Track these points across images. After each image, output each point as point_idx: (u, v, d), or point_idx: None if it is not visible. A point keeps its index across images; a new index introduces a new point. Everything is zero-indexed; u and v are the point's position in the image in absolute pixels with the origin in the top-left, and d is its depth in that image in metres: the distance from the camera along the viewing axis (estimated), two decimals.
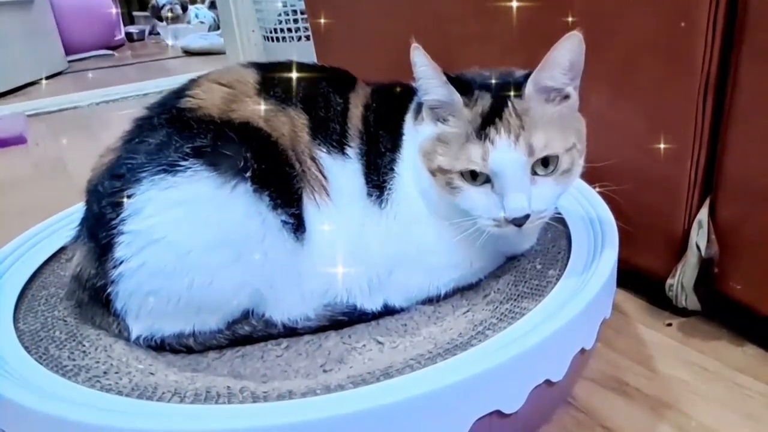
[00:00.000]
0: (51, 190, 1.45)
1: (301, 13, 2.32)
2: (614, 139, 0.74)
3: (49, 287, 0.69)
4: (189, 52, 3.72)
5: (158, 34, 4.45)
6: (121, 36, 4.30)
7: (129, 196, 0.55)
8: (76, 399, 0.47)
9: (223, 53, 3.15)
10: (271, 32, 2.44)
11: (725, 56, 0.64)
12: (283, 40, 2.40)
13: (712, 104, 0.66)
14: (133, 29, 4.62)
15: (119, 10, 4.28)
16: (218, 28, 3.77)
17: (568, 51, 0.53)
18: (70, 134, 2.03)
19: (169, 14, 4.26)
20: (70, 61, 3.52)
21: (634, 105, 0.74)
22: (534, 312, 0.56)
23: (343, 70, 0.68)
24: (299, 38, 2.36)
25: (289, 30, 2.36)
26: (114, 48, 4.09)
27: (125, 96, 2.54)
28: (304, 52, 2.27)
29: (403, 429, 0.44)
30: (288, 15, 2.35)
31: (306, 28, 2.32)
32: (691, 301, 0.74)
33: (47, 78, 3.17)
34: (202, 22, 4.14)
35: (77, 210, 0.78)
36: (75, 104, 2.45)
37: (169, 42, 4.16)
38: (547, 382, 0.50)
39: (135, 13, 5.00)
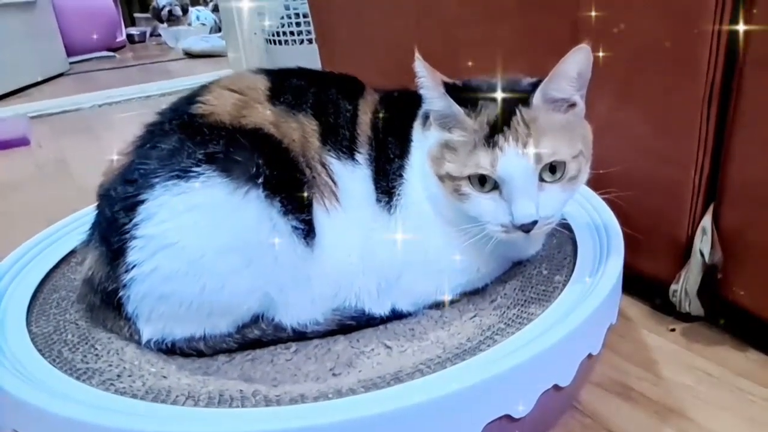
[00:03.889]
0: (55, 192, 1.46)
1: (304, 16, 2.33)
2: (619, 146, 0.75)
3: (60, 290, 0.69)
4: (190, 54, 3.72)
5: (159, 35, 4.46)
6: (122, 38, 4.31)
7: (142, 201, 0.55)
8: (93, 402, 0.48)
9: (225, 55, 3.16)
10: (273, 35, 2.45)
11: (730, 64, 0.65)
12: (285, 44, 2.41)
13: (717, 111, 0.67)
14: (134, 31, 4.63)
15: (120, 12, 4.29)
16: (219, 30, 3.79)
17: (576, 63, 0.54)
18: (72, 136, 2.03)
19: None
20: (71, 63, 3.53)
21: (639, 112, 0.74)
22: (542, 317, 0.57)
23: (351, 76, 0.69)
24: (302, 41, 2.37)
25: (292, 33, 2.37)
26: (115, 50, 4.10)
27: (127, 98, 2.55)
28: (307, 55, 2.28)
29: (416, 431, 0.45)
30: (290, 18, 2.35)
31: (308, 32, 2.33)
32: (695, 307, 0.75)
33: (48, 80, 3.18)
34: (203, 24, 4.15)
35: (85, 214, 0.79)
36: (77, 106, 2.45)
37: (171, 44, 4.17)
38: (555, 387, 0.51)
39: (136, 15, 5.00)
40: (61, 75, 3.33)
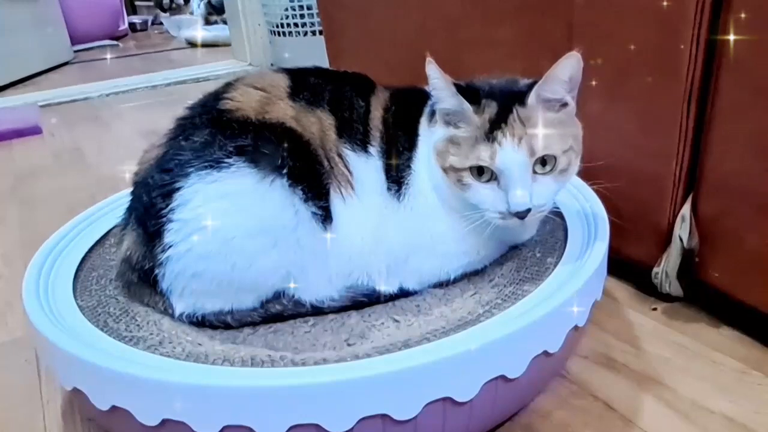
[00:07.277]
0: (74, 180, 1.52)
1: (308, 8, 2.37)
2: (607, 141, 0.80)
3: (98, 269, 0.75)
4: (192, 44, 3.75)
5: (161, 24, 4.47)
6: (124, 26, 4.33)
7: (178, 189, 0.61)
8: (145, 361, 0.55)
9: (228, 45, 3.19)
10: (277, 26, 2.49)
11: (707, 66, 0.70)
12: (289, 35, 2.45)
13: (695, 110, 0.72)
14: (136, 19, 4.64)
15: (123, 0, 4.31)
16: (222, 16, 3.81)
17: (568, 68, 0.60)
18: (83, 125, 2.08)
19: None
20: (75, 52, 3.56)
21: (626, 110, 0.80)
22: (534, 293, 0.63)
23: (364, 75, 0.74)
24: (305, 33, 2.41)
25: (296, 25, 2.42)
26: (118, 38, 4.12)
27: (134, 87, 2.59)
28: (311, 47, 2.33)
29: (425, 388, 0.51)
30: (294, 10, 2.40)
31: (312, 24, 2.37)
32: (675, 288, 0.81)
33: (54, 68, 3.22)
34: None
35: (110, 202, 0.86)
36: (85, 95, 2.50)
37: (173, 33, 4.19)
38: (545, 353, 0.57)
39: (137, 3, 5.01)
40: (66, 64, 3.37)
